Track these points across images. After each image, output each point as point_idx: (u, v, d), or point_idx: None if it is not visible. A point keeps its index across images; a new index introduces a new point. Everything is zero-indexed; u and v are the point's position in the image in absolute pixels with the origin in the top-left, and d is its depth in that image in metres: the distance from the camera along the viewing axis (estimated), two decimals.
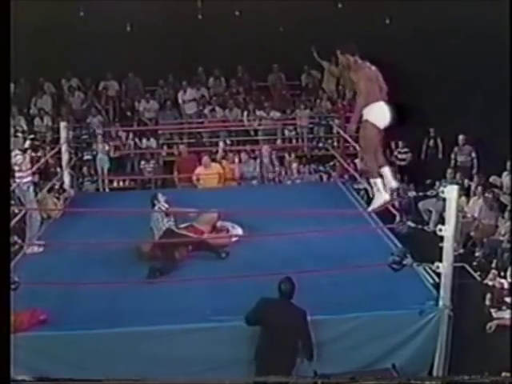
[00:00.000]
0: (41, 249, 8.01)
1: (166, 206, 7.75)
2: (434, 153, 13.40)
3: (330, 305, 6.41)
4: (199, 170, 11.81)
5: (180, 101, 14.90)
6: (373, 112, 6.48)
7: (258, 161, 12.79)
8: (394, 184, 6.68)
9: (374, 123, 6.49)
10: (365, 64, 6.61)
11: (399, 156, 13.51)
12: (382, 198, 6.67)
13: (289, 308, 5.91)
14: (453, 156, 12.47)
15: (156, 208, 7.75)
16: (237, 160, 12.85)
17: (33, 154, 8.42)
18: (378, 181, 6.61)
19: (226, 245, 7.88)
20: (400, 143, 13.53)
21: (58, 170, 11.36)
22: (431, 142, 13.45)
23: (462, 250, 9.90)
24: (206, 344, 6.14)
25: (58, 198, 10.42)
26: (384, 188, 6.61)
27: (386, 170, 6.65)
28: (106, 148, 13.42)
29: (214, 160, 12.24)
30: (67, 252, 7.60)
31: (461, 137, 12.36)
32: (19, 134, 8.47)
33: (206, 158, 11.80)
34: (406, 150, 13.51)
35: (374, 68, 6.62)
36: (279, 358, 5.75)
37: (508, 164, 11.09)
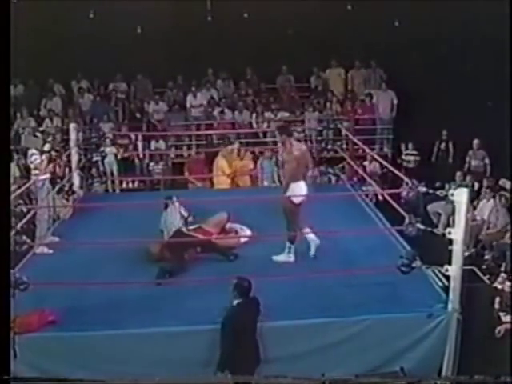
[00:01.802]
0: (50, 249, 8.05)
1: (181, 207, 7.80)
2: (445, 156, 13.31)
3: (338, 307, 6.42)
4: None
5: (188, 105, 14.89)
6: (292, 191, 7.40)
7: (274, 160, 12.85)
8: (317, 241, 7.50)
9: (293, 200, 7.37)
10: (298, 145, 7.66)
11: (406, 158, 13.47)
12: (287, 258, 7.50)
13: (251, 304, 5.94)
14: (468, 159, 12.36)
15: (168, 210, 7.78)
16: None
17: (46, 155, 8.41)
18: (292, 246, 7.47)
19: (235, 246, 7.89)
20: (410, 145, 13.48)
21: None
22: (443, 145, 13.37)
23: (472, 250, 9.87)
24: (214, 346, 6.14)
25: (67, 200, 10.46)
26: (293, 252, 7.48)
27: (307, 231, 7.52)
28: (115, 149, 13.44)
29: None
30: (76, 252, 7.62)
31: (475, 141, 12.22)
32: (38, 134, 8.51)
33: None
34: (414, 152, 13.45)
35: (304, 148, 7.77)
36: (243, 357, 5.79)
37: None
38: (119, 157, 13.59)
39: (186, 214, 7.92)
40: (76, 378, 5.74)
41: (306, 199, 7.50)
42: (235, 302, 5.94)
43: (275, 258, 7.49)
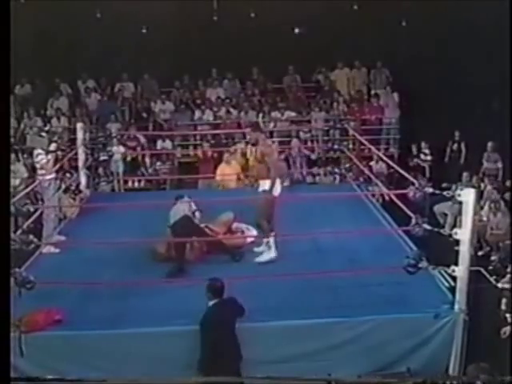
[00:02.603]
0: (57, 249, 8.08)
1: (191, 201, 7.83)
2: (456, 157, 13.25)
3: (344, 307, 6.43)
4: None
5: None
6: (276, 186, 7.42)
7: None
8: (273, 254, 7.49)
9: (273, 193, 7.38)
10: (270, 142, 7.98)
11: (423, 157, 13.41)
12: (270, 254, 7.48)
13: (227, 304, 5.96)
14: (484, 161, 12.25)
15: (178, 203, 7.78)
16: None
17: (53, 155, 8.44)
18: (271, 239, 7.48)
19: (241, 246, 7.90)
20: (423, 145, 13.44)
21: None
22: (455, 146, 13.31)
23: (487, 249, 9.86)
24: None
25: (73, 199, 10.49)
26: (275, 246, 7.45)
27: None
28: (122, 149, 13.47)
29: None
30: (83, 252, 7.64)
31: (490, 143, 12.14)
32: (43, 134, 8.53)
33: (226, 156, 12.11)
34: (427, 151, 13.40)
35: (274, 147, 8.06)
36: (223, 357, 5.80)
37: None
38: (126, 157, 13.62)
39: (194, 207, 7.88)
40: (76, 378, 5.77)
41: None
42: (211, 303, 5.97)
43: (258, 259, 7.51)
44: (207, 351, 5.86)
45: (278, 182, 7.47)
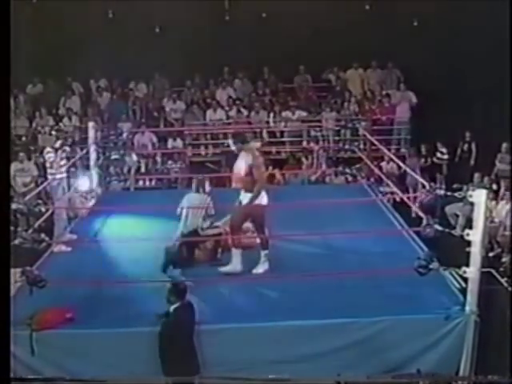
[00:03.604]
0: (68, 247, 8.12)
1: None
2: (466, 157, 13.19)
3: (355, 307, 6.41)
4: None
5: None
6: (261, 195, 7.15)
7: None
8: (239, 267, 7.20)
9: (263, 205, 7.18)
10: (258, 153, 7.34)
11: (439, 156, 13.35)
12: (235, 267, 7.17)
13: (187, 308, 5.91)
14: (496, 162, 12.19)
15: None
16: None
17: (63, 155, 8.47)
18: (239, 252, 7.19)
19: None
20: (439, 144, 13.38)
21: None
22: (465, 147, 13.25)
23: (498, 250, 9.81)
24: (228, 345, 6.16)
25: (85, 198, 10.53)
26: (241, 260, 7.16)
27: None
28: (135, 157, 13.56)
29: None
30: (94, 250, 7.68)
31: (504, 144, 12.07)
32: (53, 132, 8.58)
33: None
34: (443, 150, 13.33)
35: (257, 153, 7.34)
36: (182, 359, 5.76)
37: None
38: (137, 155, 13.68)
39: (209, 200, 7.87)
40: (76, 378, 5.81)
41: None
42: (172, 307, 5.89)
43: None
44: (167, 355, 5.80)
45: (263, 193, 7.19)
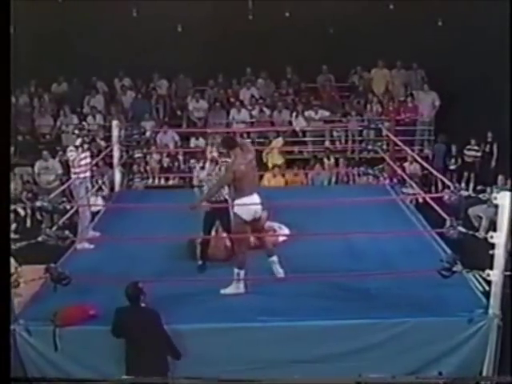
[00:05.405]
0: (91, 244, 8.19)
1: None
2: (488, 158, 13.08)
3: (377, 309, 6.40)
4: None
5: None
6: (242, 206, 6.74)
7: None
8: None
9: (242, 217, 6.76)
10: (244, 156, 6.84)
11: (468, 153, 13.26)
12: (238, 289, 6.83)
13: (139, 311, 5.86)
14: None
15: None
16: None
17: (86, 153, 8.53)
18: (242, 272, 6.81)
19: (274, 245, 7.87)
20: (472, 141, 13.26)
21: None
22: (487, 148, 13.13)
23: None
24: (251, 343, 6.18)
25: (104, 198, 10.65)
26: (243, 282, 6.81)
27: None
28: (157, 157, 13.63)
29: None
30: (117, 247, 7.73)
31: None
32: (76, 131, 8.66)
33: None
34: (476, 148, 13.23)
35: (250, 157, 6.91)
36: (145, 361, 5.71)
37: None
38: (159, 154, 13.75)
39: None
40: (76, 378, 5.85)
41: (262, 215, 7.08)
42: (122, 306, 5.86)
43: (223, 291, 6.83)
44: (131, 355, 5.81)
45: (246, 200, 6.78)
